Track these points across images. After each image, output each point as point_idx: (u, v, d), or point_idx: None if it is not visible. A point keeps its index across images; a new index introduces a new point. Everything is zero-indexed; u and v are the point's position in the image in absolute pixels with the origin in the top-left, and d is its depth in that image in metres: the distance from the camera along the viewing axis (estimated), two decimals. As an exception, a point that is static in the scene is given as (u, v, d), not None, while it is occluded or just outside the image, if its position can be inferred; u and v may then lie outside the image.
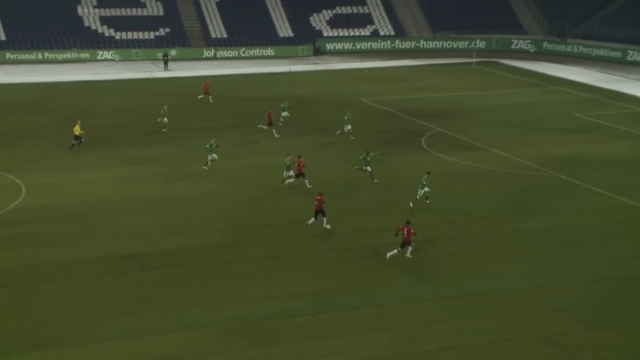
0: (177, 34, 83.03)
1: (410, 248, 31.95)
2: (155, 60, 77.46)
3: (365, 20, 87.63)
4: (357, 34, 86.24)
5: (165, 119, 51.75)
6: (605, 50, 77.69)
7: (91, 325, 26.57)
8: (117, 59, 78.65)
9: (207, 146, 43.42)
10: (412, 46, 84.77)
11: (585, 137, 49.70)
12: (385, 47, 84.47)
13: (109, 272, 30.57)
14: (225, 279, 30.28)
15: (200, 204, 38.30)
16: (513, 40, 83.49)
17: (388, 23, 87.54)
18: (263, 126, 50.50)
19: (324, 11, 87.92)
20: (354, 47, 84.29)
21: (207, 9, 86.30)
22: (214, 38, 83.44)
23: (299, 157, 40.64)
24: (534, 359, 24.86)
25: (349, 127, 49.14)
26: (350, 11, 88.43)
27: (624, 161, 44.55)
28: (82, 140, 46.80)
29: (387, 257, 31.58)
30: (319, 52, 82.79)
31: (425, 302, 28.41)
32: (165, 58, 75.46)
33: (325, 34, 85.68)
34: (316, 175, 41.34)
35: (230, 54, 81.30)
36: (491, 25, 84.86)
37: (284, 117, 52.94)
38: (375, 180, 40.26)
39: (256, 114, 52.86)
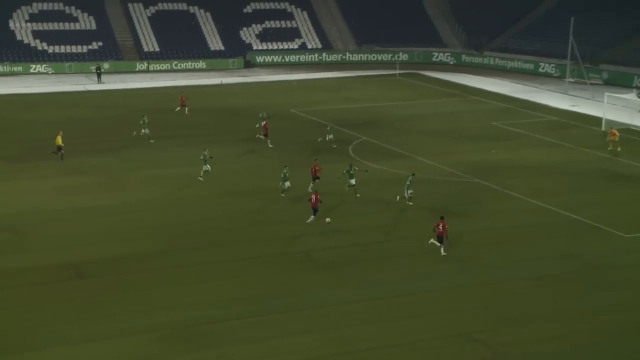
0: (110, 48, 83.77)
1: (442, 246, 33.79)
2: (89, 74, 78.11)
3: (293, 34, 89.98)
4: (285, 47, 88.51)
5: (147, 129, 52.32)
6: (519, 63, 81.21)
7: (27, 333, 26.79)
8: (50, 72, 79.17)
9: (201, 157, 44.31)
10: (339, 59, 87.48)
11: (503, 144, 51.93)
12: (313, 59, 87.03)
13: (45, 281, 30.78)
14: (159, 285, 30.73)
15: (134, 212, 38.97)
16: (434, 53, 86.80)
17: (315, 37, 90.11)
18: (260, 136, 52.05)
19: (253, 25, 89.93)
20: (282, 60, 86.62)
21: (139, 23, 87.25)
22: (147, 51, 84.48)
23: (315, 160, 42.73)
24: (459, 356, 25.73)
25: (331, 136, 51.30)
26: (279, 25, 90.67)
27: (538, 167, 46.73)
28: (62, 151, 47.57)
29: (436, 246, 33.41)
30: (249, 65, 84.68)
31: (355, 304, 29.24)
32: (98, 71, 76.36)
33: (255, 47, 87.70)
34: (243, 183, 43.16)
35: (162, 67, 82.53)
36: (413, 38, 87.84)
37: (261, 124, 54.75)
38: (358, 195, 40.78)
39: (189, 125, 54.29)
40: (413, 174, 40.51)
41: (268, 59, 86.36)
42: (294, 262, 33.34)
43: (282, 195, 41.04)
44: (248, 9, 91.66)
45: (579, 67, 71.20)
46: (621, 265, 33.05)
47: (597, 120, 56.92)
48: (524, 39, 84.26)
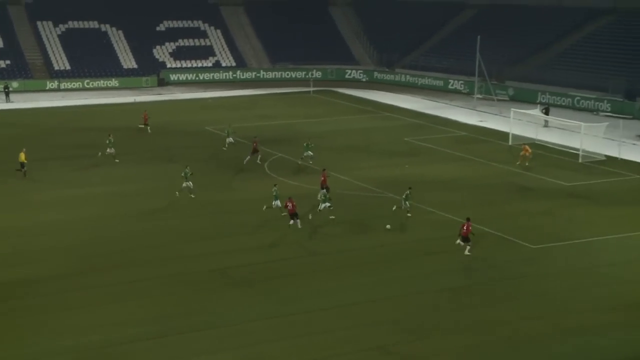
0: (19, 66, 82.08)
1: (468, 246, 35.52)
2: (-4, 93, 76.73)
3: (207, 52, 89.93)
4: (199, 65, 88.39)
5: (112, 149, 51.77)
6: (430, 80, 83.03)
7: None
8: (-44, 92, 77.27)
9: (182, 174, 44.14)
10: (253, 76, 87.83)
11: (414, 159, 53.02)
12: (227, 77, 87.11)
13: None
14: (71, 307, 30.35)
15: (41, 234, 38.42)
16: (347, 71, 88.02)
17: (229, 55, 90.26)
18: (249, 157, 51.72)
19: (167, 43, 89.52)
20: (197, 78, 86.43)
21: (49, 41, 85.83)
22: (57, 70, 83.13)
23: (323, 169, 43.66)
24: (373, 370, 26.08)
25: (310, 152, 51.07)
26: (192, 43, 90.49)
27: (449, 181, 47.86)
28: (25, 168, 47.24)
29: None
30: (163, 83, 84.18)
31: (270, 320, 29.41)
32: (7, 90, 74.80)
33: (168, 65, 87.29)
34: (155, 201, 43.20)
35: (74, 85, 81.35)
36: (326, 56, 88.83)
37: (229, 144, 55.09)
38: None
39: (100, 144, 53.80)
40: (410, 188, 41.36)
41: (182, 77, 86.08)
42: (210, 279, 33.32)
43: (282, 214, 40.54)
44: (161, 27, 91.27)
45: (486, 83, 73.27)
46: (528, 276, 34.11)
47: (504, 135, 58.63)
48: (434, 57, 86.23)
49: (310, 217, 40.51)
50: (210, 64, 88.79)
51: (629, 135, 58.31)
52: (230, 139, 55.65)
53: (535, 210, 42.85)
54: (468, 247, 35.87)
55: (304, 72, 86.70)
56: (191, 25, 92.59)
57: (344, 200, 44.00)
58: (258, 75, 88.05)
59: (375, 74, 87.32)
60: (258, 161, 51.40)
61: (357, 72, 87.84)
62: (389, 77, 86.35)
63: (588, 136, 53.94)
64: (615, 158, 52.76)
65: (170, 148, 56.07)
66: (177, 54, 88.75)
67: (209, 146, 57.05)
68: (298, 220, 39.39)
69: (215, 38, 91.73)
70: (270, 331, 28.77)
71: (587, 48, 78.02)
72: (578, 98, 70.60)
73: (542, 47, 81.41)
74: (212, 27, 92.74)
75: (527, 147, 52.10)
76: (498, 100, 72.14)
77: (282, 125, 64.33)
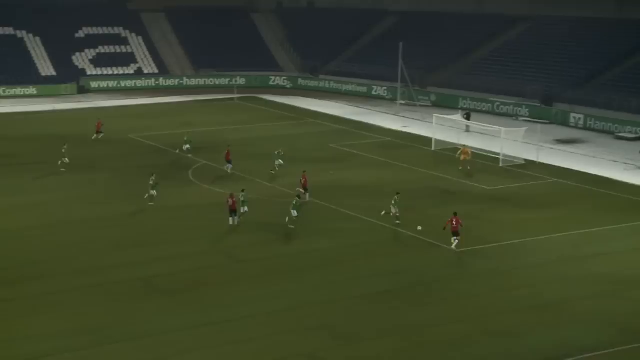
0: None
1: (456, 241, 36.50)
2: None
3: (128, 59, 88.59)
4: (121, 72, 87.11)
5: (67, 158, 51.01)
6: (353, 86, 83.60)
7: None
8: None
9: (150, 182, 43.89)
10: (176, 83, 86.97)
11: (339, 165, 53.28)
12: (150, 84, 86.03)
13: None
14: None
15: None
16: (271, 77, 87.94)
17: (151, 62, 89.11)
18: (227, 168, 50.84)
19: (86, 50, 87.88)
20: (118, 85, 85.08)
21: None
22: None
23: (304, 171, 44.78)
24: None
25: (281, 161, 50.63)
26: (113, 50, 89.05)
27: (374, 186, 48.21)
28: None
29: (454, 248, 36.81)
30: (83, 91, 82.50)
31: (195, 329, 29.11)
32: None
33: (89, 73, 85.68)
34: (82, 211, 42.51)
35: (-12, 93, 79.53)
36: (250, 63, 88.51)
37: (186, 150, 54.82)
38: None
39: (17, 153, 52.57)
40: (398, 193, 41.45)
41: (103, 84, 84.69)
42: (133, 289, 32.85)
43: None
44: (80, 34, 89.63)
45: (409, 90, 74.15)
46: (452, 278, 34.60)
47: (427, 140, 59.40)
48: (357, 63, 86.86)
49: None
50: (132, 71, 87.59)
51: (546, 140, 59.75)
52: (188, 146, 55.12)
53: (458, 214, 43.32)
54: (456, 242, 36.97)
55: (227, 79, 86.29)
56: (112, 31, 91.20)
57: (269, 207, 43.92)
58: (181, 82, 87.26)
59: (299, 80, 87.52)
60: (229, 172, 50.73)
61: (281, 78, 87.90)
62: (312, 83, 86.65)
63: (508, 141, 55.08)
64: (534, 162, 53.97)
65: (91, 157, 55.02)
66: (97, 61, 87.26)
67: (132, 154, 56.32)
68: (237, 218, 40.13)
69: (136, 45, 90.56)
70: (194, 340, 28.46)
71: (505, 54, 79.74)
72: (498, 103, 72.04)
73: (462, 53, 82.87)
74: (134, 34, 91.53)
75: (466, 149, 52.63)
76: (421, 106, 73.08)
77: (206, 133, 63.84)
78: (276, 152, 51.69)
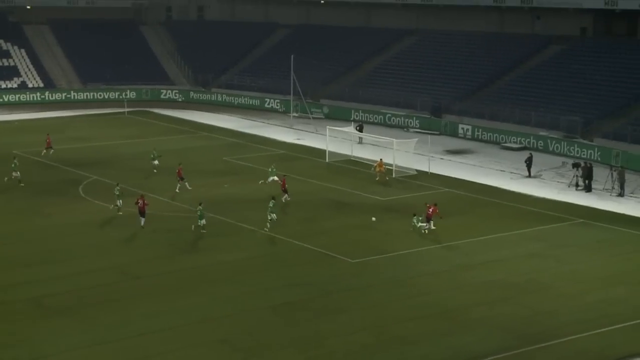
0: None
1: (428, 226, 41.18)
2: None
3: (11, 72, 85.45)
4: (3, 86, 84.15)
5: (18, 173, 49.63)
6: (246, 99, 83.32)
7: None
8: None
9: (115, 192, 44.44)
10: (63, 98, 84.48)
11: (234, 178, 52.98)
12: (35, 99, 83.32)
13: None
14: None
15: None
16: (162, 91, 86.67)
17: (36, 75, 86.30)
18: (184, 185, 49.57)
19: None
20: (1, 100, 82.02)
21: None
22: None
23: (284, 176, 46.62)
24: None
25: (276, 177, 49.31)
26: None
27: (268, 199, 48.07)
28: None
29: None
30: (-38, 106, 79.82)
31: (92, 348, 28.59)
32: None
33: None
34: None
35: None
36: (140, 76, 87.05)
37: (155, 167, 53.24)
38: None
39: None
40: (273, 197, 42.49)
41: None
42: (23, 310, 31.88)
43: (202, 231, 41.55)
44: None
45: (302, 102, 74.63)
46: (349, 289, 34.93)
47: (321, 152, 59.87)
48: (249, 76, 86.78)
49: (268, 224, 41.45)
50: (15, 85, 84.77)
51: (436, 150, 61.15)
52: (157, 162, 53.62)
53: (351, 225, 43.97)
54: (428, 226, 41.15)
55: (117, 93, 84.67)
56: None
57: (163, 221, 43.50)
58: (68, 96, 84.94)
59: (191, 93, 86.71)
60: (189, 187, 49.72)
61: (172, 92, 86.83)
62: (205, 96, 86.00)
63: (400, 152, 56.10)
64: (426, 172, 55.16)
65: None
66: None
67: (19, 170, 54.31)
68: (143, 219, 41.67)
69: (19, 58, 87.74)
70: (95, 358, 27.91)
71: (395, 67, 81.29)
72: (389, 115, 73.32)
73: (353, 66, 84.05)
74: (16, 47, 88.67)
75: (381, 162, 53.42)
76: (314, 118, 73.61)
77: (96, 148, 62.57)
78: (270, 169, 51.02)
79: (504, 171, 56.67)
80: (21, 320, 31.03)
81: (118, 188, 44.96)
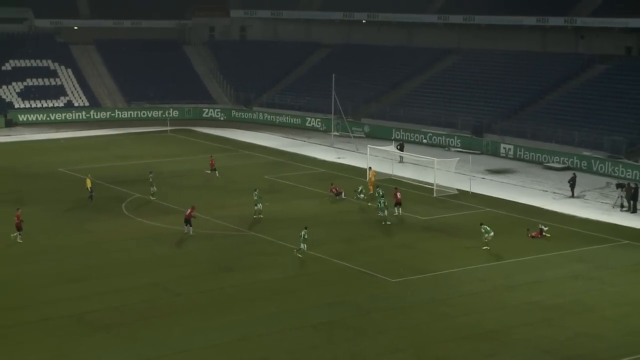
0: None
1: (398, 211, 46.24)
2: None
3: (58, 91, 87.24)
4: (50, 105, 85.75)
5: (154, 187, 51.18)
6: (287, 117, 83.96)
7: None
8: None
9: (255, 197, 47.81)
10: (108, 116, 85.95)
11: (275, 196, 53.02)
12: (80, 117, 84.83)
13: None
14: None
15: None
16: (204, 109, 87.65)
17: (82, 94, 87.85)
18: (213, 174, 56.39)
19: (14, 83, 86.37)
20: (48, 119, 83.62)
21: None
22: None
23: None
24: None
25: (260, 206, 48.55)
26: (42, 83, 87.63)
27: (311, 217, 47.79)
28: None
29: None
30: (11, 124, 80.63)
31: None
32: None
33: (16, 106, 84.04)
34: (14, 246, 41.64)
35: None
36: (183, 95, 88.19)
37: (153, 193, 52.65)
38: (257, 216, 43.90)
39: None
40: (256, 189, 46.18)
41: (32, 117, 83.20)
42: (67, 326, 32.21)
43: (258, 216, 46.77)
44: (7, 67, 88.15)
45: (343, 121, 74.77)
46: (390, 309, 34.76)
47: (362, 171, 59.86)
48: (291, 95, 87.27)
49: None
50: (61, 104, 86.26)
51: (478, 170, 60.81)
52: (154, 188, 52.95)
53: (394, 244, 43.83)
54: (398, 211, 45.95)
55: (160, 111, 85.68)
56: (40, 64, 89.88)
57: (207, 239, 43.77)
58: (113, 114, 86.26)
59: (233, 112, 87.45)
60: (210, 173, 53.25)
61: (214, 110, 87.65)
62: (246, 115, 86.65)
63: (441, 171, 55.88)
64: (467, 192, 54.84)
65: (19, 191, 53.88)
66: (25, 94, 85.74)
67: (62, 188, 55.26)
68: (191, 228, 43.68)
69: (66, 77, 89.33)
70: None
71: (436, 86, 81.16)
72: (430, 134, 73.14)
73: (394, 85, 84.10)
74: (63, 66, 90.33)
75: (373, 171, 54.48)
76: (355, 137, 73.68)
77: (140, 165, 63.08)
78: (150, 177, 52.62)
79: (546, 191, 56.13)
80: (64, 336, 31.34)
81: (256, 193, 48.10)
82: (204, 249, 42.29)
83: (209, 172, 59.49)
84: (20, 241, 42.29)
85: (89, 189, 51.33)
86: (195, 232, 44.08)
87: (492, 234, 42.15)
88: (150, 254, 41.55)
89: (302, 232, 41.06)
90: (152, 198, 51.70)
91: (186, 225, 43.95)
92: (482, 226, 42.59)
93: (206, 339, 31.19)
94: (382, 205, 47.19)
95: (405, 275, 38.53)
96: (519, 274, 39.14)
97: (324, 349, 30.70)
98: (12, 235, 42.84)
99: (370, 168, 55.35)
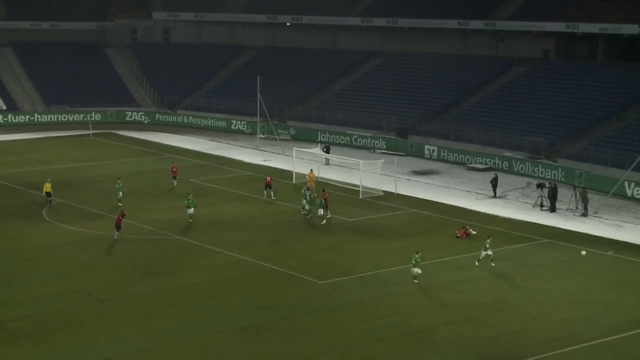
0: None
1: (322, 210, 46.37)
2: None
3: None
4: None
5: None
6: (213, 120, 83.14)
7: None
8: None
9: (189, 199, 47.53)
10: (27, 120, 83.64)
11: (201, 200, 51.86)
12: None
13: None
14: None
15: None
16: (127, 113, 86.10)
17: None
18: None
19: None
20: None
21: None
22: None
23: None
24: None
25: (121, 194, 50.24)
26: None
27: (236, 220, 48.15)
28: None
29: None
30: None
31: None
32: None
33: None
34: None
35: None
36: (105, 99, 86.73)
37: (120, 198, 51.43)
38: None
39: None
40: (189, 193, 47.03)
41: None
42: (-12, 335, 31.34)
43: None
44: None
45: (268, 124, 74.65)
46: (317, 311, 34.86)
47: (288, 174, 59.85)
48: (215, 98, 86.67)
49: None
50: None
51: (403, 171, 61.40)
52: (120, 194, 51.76)
53: (321, 246, 43.95)
54: (325, 214, 45.84)
55: (82, 115, 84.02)
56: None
57: (131, 244, 43.24)
58: (32, 118, 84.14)
59: (157, 115, 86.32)
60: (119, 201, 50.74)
61: (138, 114, 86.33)
62: (171, 118, 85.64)
63: (366, 173, 56.29)
64: (392, 193, 55.35)
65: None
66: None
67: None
68: (118, 232, 43.34)
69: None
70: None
71: (361, 88, 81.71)
72: (355, 136, 73.58)
73: (319, 88, 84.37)
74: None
75: (312, 174, 54.41)
76: (280, 139, 73.63)
77: (61, 170, 61.85)
78: (117, 185, 51.55)
79: (469, 192, 57.06)
80: (-17, 345, 30.55)
81: (190, 197, 47.73)
82: (129, 253, 41.75)
83: (175, 180, 57.35)
84: None
85: (47, 193, 50.05)
86: (119, 237, 43.41)
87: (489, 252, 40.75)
88: (73, 260, 40.77)
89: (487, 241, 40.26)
90: (119, 204, 50.21)
91: (117, 230, 43.44)
92: (488, 240, 40.91)
93: (131, 345, 30.79)
94: (308, 197, 47.55)
95: (333, 277, 38.66)
96: (443, 273, 39.68)
97: (250, 352, 30.62)
98: None
99: (311, 170, 55.01)
